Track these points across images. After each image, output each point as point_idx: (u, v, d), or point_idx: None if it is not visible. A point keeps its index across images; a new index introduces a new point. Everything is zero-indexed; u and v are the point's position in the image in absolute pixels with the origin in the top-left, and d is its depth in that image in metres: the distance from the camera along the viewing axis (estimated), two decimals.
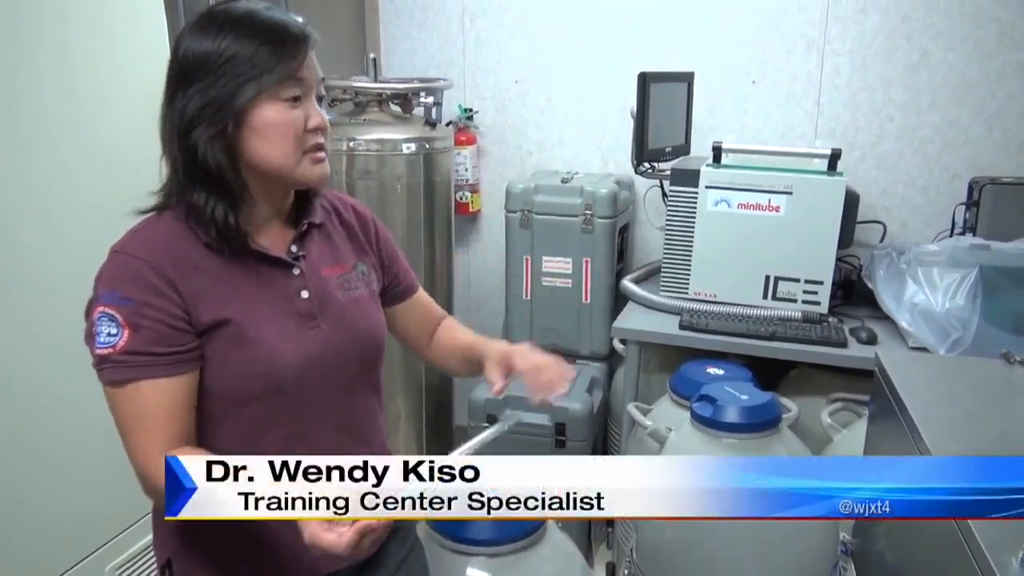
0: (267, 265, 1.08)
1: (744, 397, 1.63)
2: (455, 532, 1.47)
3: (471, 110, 2.89)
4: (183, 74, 1.01)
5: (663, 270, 2.33)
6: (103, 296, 0.98)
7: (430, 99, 2.44)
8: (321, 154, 1.06)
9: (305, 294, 1.09)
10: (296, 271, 1.10)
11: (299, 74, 1.02)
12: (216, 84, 0.99)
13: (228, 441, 1.05)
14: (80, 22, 1.63)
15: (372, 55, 2.50)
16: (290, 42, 1.01)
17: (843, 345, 2.04)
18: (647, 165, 2.40)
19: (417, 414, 2.60)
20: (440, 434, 2.73)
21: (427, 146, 2.41)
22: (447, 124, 2.67)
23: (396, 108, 2.49)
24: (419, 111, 2.47)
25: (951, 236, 2.30)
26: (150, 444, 0.97)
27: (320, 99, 1.09)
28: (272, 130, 1.01)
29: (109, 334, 0.97)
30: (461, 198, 2.89)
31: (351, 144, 2.34)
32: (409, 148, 2.37)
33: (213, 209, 1.02)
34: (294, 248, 1.11)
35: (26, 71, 1.52)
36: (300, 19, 1.05)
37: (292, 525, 1.07)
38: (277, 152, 1.02)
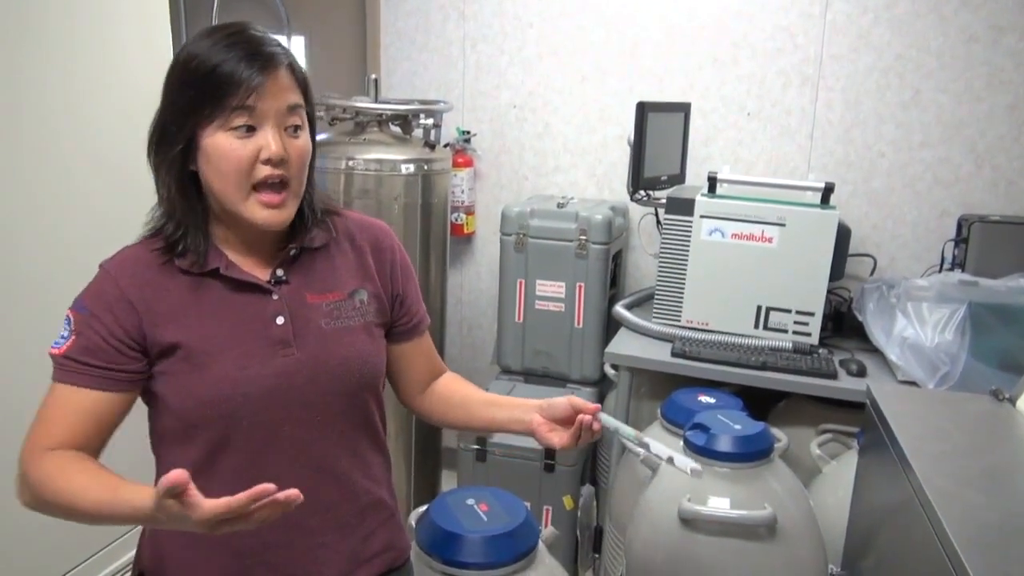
0: (240, 289, 1.05)
1: (737, 426, 1.64)
2: (446, 555, 1.46)
3: (469, 132, 2.91)
4: (162, 88, 1.01)
5: (656, 297, 2.35)
6: (75, 302, 1.03)
7: (429, 121, 2.46)
8: (274, 196, 0.99)
9: (280, 320, 1.05)
10: (275, 296, 1.06)
11: (247, 103, 0.95)
12: (171, 107, 0.99)
13: (182, 461, 1.01)
14: (84, 28, 1.64)
15: (373, 75, 2.51)
16: (226, 80, 0.95)
17: (833, 376, 2.06)
18: (643, 193, 2.43)
19: (407, 430, 2.59)
20: (428, 454, 2.73)
21: (425, 167, 2.43)
22: (445, 146, 2.69)
23: (396, 129, 2.50)
24: (418, 132, 2.49)
25: (940, 272, 2.34)
26: (40, 437, 0.99)
27: (311, 122, 1.04)
28: (218, 159, 0.97)
29: (62, 336, 1.01)
30: (456, 219, 2.90)
31: (350, 163, 2.35)
32: (408, 169, 2.39)
33: (176, 230, 1.03)
34: (280, 272, 1.08)
35: (30, 78, 1.53)
36: (269, 44, 0.98)
37: (274, 541, 1.07)
38: (223, 184, 0.98)
